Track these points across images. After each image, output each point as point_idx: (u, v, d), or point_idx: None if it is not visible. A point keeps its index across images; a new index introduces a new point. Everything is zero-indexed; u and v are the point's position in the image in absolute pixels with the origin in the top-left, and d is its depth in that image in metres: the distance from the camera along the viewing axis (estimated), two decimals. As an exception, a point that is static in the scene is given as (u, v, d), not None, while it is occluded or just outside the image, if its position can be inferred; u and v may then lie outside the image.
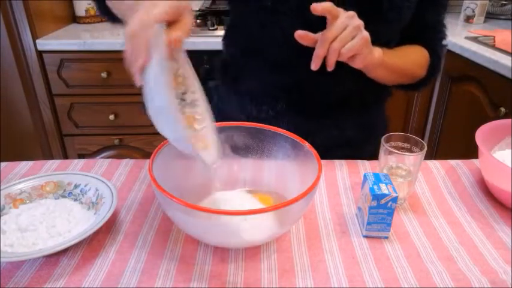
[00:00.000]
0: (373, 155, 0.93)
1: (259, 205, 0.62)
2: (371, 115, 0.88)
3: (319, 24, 0.63)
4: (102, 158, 1.06)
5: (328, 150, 0.72)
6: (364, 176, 0.60)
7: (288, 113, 0.79)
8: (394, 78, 0.80)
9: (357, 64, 0.65)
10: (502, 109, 1.37)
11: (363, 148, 0.89)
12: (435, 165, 0.79)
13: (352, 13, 0.61)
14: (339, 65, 0.63)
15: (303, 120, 0.79)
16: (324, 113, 0.80)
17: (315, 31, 0.65)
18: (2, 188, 0.63)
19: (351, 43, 0.61)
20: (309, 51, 0.62)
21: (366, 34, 0.62)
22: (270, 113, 0.80)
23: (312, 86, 0.77)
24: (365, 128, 0.87)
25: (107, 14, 0.72)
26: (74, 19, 1.89)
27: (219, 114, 0.90)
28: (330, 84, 0.76)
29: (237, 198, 0.65)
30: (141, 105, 0.56)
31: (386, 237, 0.60)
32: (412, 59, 0.81)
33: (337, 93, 0.78)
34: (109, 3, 0.67)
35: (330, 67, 0.62)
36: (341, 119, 0.82)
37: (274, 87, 0.79)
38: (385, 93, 0.90)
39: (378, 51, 0.68)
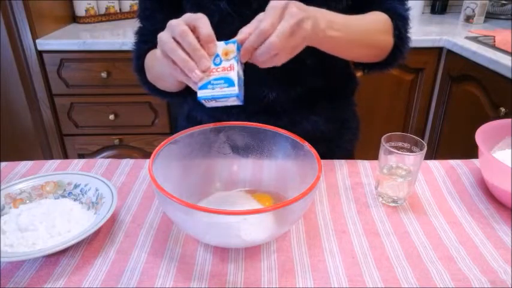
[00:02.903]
0: (351, 153, 0.94)
1: (258, 205, 0.62)
2: (340, 108, 0.87)
3: None
4: (102, 158, 1.06)
5: None
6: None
7: (258, 114, 0.77)
8: (357, 51, 0.71)
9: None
10: (502, 109, 1.37)
11: (338, 144, 0.89)
12: (435, 165, 0.79)
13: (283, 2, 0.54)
14: (303, 62, 0.61)
15: (275, 118, 0.77)
16: (295, 109, 0.79)
17: None
18: (2, 188, 0.63)
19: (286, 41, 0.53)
20: None
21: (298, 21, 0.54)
22: (240, 116, 0.78)
23: (279, 84, 0.76)
24: (336, 122, 0.86)
25: (148, 87, 0.83)
26: (74, 19, 1.89)
27: (190, 122, 0.90)
28: (296, 81, 0.75)
29: (237, 198, 0.65)
30: None
31: (237, 95, 0.53)
32: (371, 23, 0.71)
33: (305, 89, 0.78)
34: (150, 77, 0.78)
35: (262, 64, 0.56)
36: (312, 114, 0.81)
37: None
38: (352, 85, 0.88)
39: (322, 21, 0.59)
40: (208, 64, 0.54)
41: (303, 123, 0.81)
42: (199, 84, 0.53)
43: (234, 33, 0.58)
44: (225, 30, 0.68)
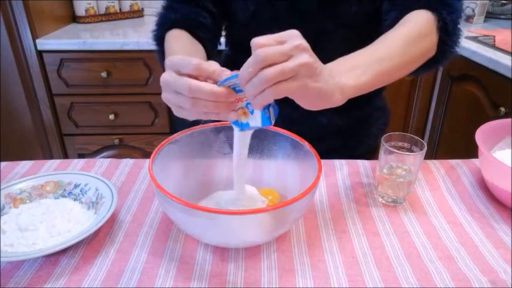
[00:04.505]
0: (373, 148, 0.91)
1: (259, 204, 0.62)
2: (361, 105, 0.82)
3: (311, 11, 0.60)
4: (102, 158, 1.06)
5: (320, 139, 0.68)
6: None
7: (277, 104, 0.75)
8: (398, 75, 0.62)
9: (297, 98, 0.49)
10: (502, 109, 1.37)
11: (360, 138, 0.87)
12: (435, 165, 0.79)
13: (294, 32, 0.46)
14: (326, 56, 0.55)
15: (291, 109, 0.73)
16: None
17: (308, 22, 0.61)
18: (2, 187, 0.63)
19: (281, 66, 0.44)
20: None
21: (306, 58, 0.45)
22: None
23: None
24: (356, 117, 0.84)
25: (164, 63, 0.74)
26: (74, 19, 1.89)
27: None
28: None
29: (238, 198, 0.65)
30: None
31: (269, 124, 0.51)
32: (401, 40, 0.60)
33: None
34: None
35: (258, 105, 0.47)
36: (329, 108, 0.76)
37: None
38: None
39: (344, 79, 0.52)
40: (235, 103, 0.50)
41: (319, 116, 0.79)
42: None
43: (266, 24, 0.54)
44: (259, 19, 0.64)
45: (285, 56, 0.44)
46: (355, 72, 0.53)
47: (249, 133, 0.54)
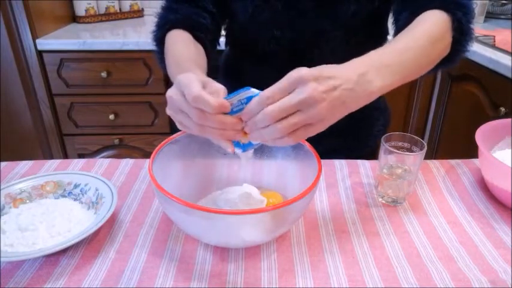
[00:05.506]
0: (373, 150, 0.91)
1: (258, 204, 0.62)
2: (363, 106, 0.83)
3: (310, 11, 0.59)
4: (102, 157, 1.06)
5: (320, 140, 0.68)
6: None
7: None
8: (417, 75, 0.62)
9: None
10: (502, 109, 1.37)
11: (360, 139, 0.87)
12: (435, 165, 0.79)
13: (300, 75, 0.45)
14: (324, 57, 0.57)
15: None
16: None
17: (307, 22, 0.61)
18: (2, 187, 0.63)
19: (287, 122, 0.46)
20: (297, 42, 0.58)
21: (317, 111, 0.46)
22: None
23: None
24: (356, 118, 0.83)
25: (163, 66, 0.74)
26: (74, 19, 1.89)
27: None
28: None
29: (238, 197, 0.65)
30: None
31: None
32: (423, 40, 0.59)
33: None
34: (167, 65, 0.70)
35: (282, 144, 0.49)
36: None
37: (262, 82, 0.75)
38: None
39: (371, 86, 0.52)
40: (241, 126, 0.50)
41: None
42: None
43: (265, 24, 0.54)
44: (258, 19, 0.64)
45: (294, 109, 0.45)
46: (383, 72, 0.54)
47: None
